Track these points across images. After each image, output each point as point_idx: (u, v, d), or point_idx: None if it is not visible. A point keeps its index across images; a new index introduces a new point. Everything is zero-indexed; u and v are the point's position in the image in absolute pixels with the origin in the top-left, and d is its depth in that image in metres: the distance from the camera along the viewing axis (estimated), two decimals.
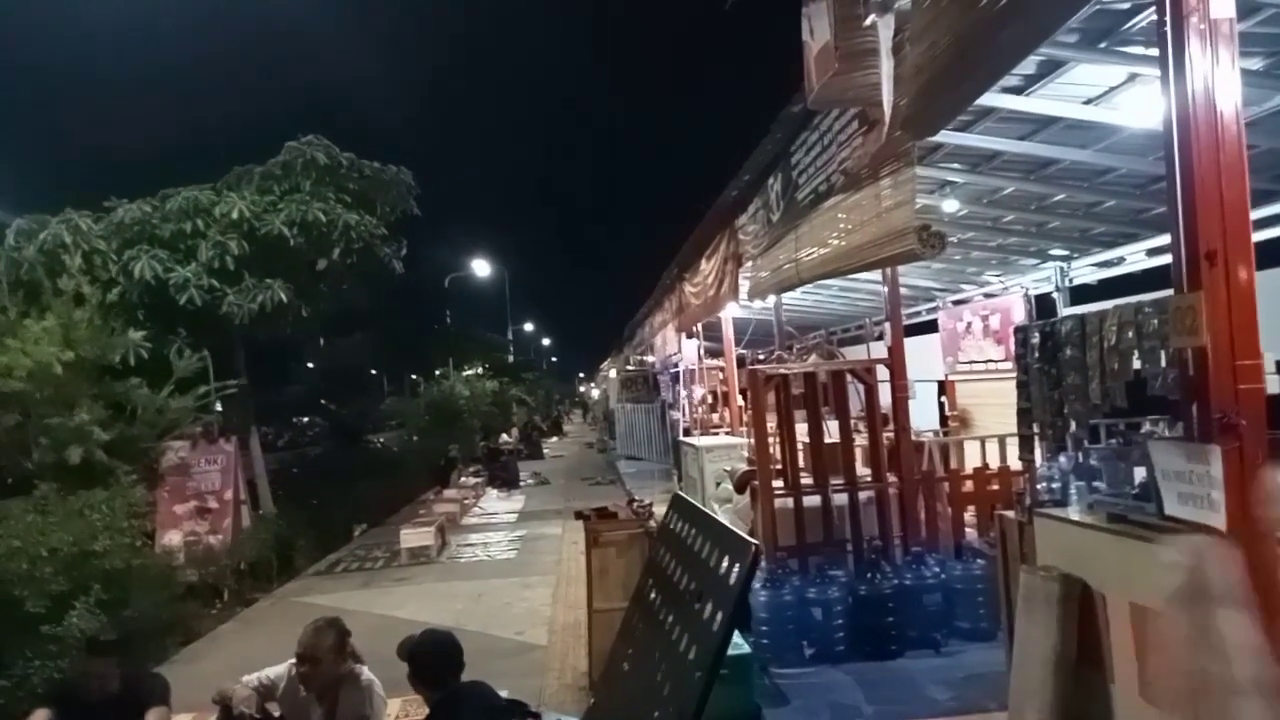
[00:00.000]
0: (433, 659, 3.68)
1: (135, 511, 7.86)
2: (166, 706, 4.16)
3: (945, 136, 5.69)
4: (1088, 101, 5.13)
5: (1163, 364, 3.76)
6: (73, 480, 8.18)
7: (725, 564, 2.56)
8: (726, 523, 2.86)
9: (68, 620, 6.17)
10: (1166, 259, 6.81)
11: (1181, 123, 3.21)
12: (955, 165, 6.58)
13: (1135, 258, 7.90)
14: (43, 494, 7.52)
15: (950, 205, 7.41)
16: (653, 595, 3.31)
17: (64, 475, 8.30)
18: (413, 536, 11.75)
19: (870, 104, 3.97)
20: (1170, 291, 3.39)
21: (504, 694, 3.93)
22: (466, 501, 16.52)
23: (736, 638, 4.99)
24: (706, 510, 3.24)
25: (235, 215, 10.80)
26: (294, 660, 4.06)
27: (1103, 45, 4.44)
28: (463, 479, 19.18)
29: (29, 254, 10.35)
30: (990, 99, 4.97)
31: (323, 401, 22.73)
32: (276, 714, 4.16)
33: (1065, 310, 8.12)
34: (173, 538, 10.31)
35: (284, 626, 6.82)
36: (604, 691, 3.85)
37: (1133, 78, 4.73)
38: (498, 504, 17.25)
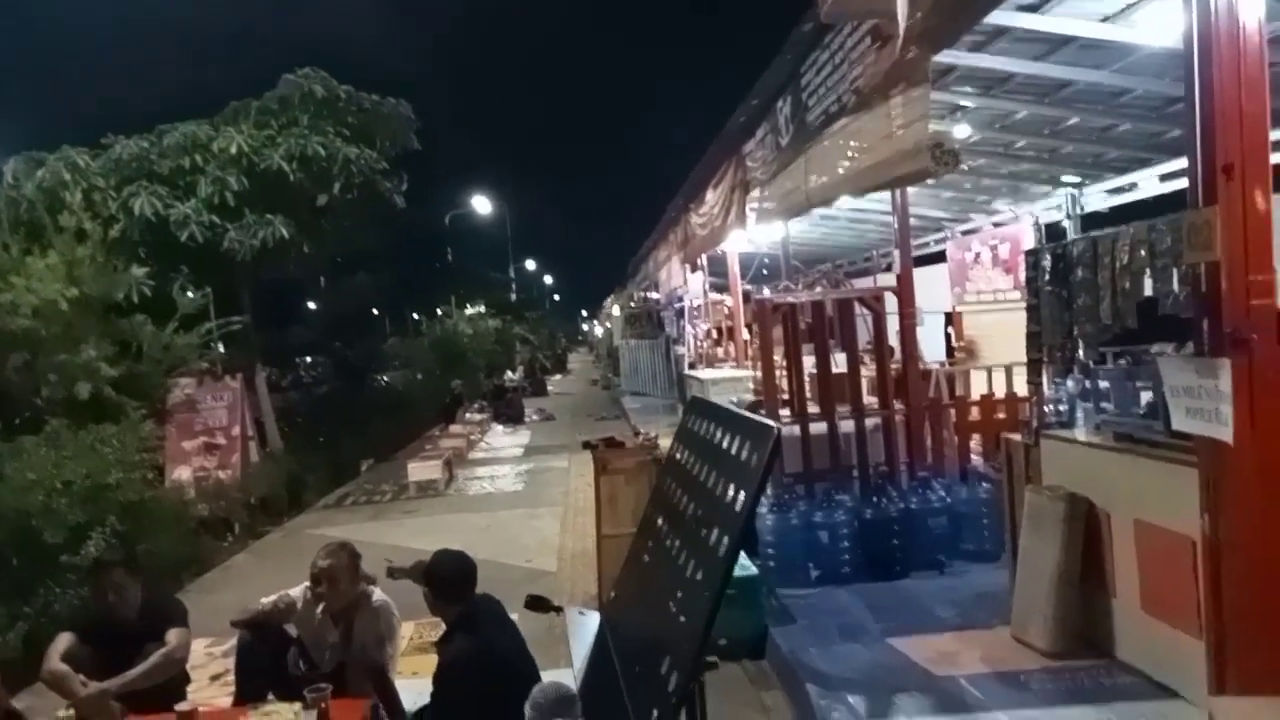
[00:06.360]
0: (450, 576, 3.76)
1: (145, 446, 7.93)
2: (186, 628, 4.24)
3: (957, 58, 5.56)
4: (1104, 19, 5.00)
5: (1174, 283, 3.74)
6: (82, 416, 8.24)
7: (745, 450, 2.62)
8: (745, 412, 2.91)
9: (85, 551, 6.26)
10: (1180, 184, 6.75)
11: (1203, 30, 3.14)
12: (967, 89, 6.44)
13: (1148, 183, 7.79)
14: (54, 429, 7.58)
15: (962, 131, 7.27)
16: (672, 490, 3.37)
17: (73, 411, 8.36)
18: (420, 470, 11.87)
19: (885, 16, 3.88)
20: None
21: (514, 616, 4.02)
22: (472, 437, 16.66)
23: (745, 560, 5.06)
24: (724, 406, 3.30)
25: (234, 150, 10.68)
26: (309, 583, 4.15)
27: None
28: (468, 416, 19.31)
29: (28, 191, 10.29)
30: (1004, 17, 4.84)
31: (327, 341, 22.75)
32: (294, 634, 4.26)
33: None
34: (182, 473, 10.42)
35: (295, 557, 6.91)
36: (625, 583, 3.93)
37: None
38: (503, 439, 17.38)
